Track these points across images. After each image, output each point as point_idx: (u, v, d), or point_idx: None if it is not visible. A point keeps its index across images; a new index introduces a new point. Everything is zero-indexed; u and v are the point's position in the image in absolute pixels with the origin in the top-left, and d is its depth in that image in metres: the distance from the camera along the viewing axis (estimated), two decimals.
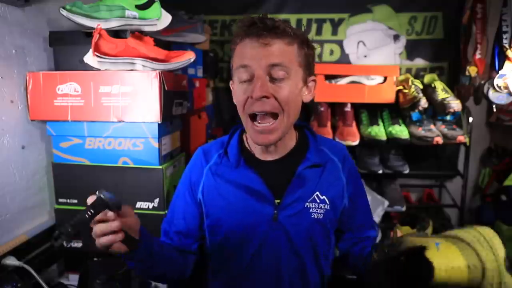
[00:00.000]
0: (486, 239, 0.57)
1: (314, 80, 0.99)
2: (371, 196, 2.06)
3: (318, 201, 0.99)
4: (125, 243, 0.79)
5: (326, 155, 1.04)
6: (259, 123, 0.91)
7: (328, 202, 0.99)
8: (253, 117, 0.92)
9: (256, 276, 1.01)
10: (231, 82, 1.00)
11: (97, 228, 0.75)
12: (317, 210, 0.98)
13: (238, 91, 0.93)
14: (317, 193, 0.99)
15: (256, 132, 0.92)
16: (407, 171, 2.14)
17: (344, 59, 2.38)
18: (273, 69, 0.88)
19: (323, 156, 1.03)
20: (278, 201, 0.97)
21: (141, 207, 1.32)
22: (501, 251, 0.56)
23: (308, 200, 0.98)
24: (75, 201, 1.34)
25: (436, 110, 2.07)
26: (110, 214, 0.75)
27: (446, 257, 0.56)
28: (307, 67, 0.95)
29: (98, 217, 0.74)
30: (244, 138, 1.06)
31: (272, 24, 0.88)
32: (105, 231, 0.75)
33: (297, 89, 0.92)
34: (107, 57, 1.23)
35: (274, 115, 0.91)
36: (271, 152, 1.01)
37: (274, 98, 0.89)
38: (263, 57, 0.87)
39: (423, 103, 1.97)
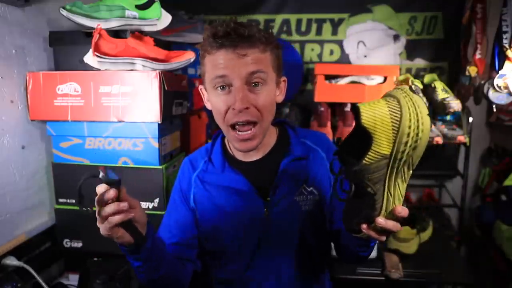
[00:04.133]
0: (409, 94, 0.64)
1: (284, 81, 1.00)
2: None
3: (306, 193, 1.00)
4: (132, 235, 0.78)
5: (308, 147, 1.04)
6: (239, 131, 0.92)
7: (316, 193, 1.00)
8: (233, 126, 0.93)
9: (257, 275, 1.01)
10: (200, 87, 1.01)
11: (108, 208, 0.73)
12: (306, 202, 0.99)
13: (216, 101, 0.92)
14: (304, 185, 1.00)
15: (238, 140, 0.94)
16: None
17: (344, 59, 2.38)
18: (252, 76, 0.88)
19: (305, 148, 1.04)
20: (268, 199, 0.98)
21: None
22: (421, 103, 0.64)
23: (296, 194, 0.99)
24: (75, 201, 1.34)
25: (436, 110, 2.06)
26: (113, 192, 0.73)
27: (372, 102, 0.66)
28: (278, 69, 0.96)
29: (99, 188, 0.74)
30: (226, 143, 1.06)
31: (246, 33, 0.86)
32: (116, 210, 0.73)
33: (272, 93, 0.95)
34: (107, 57, 1.23)
35: (253, 122, 0.92)
36: (253, 153, 1.01)
37: (253, 107, 0.90)
38: (242, 67, 0.87)
39: None
